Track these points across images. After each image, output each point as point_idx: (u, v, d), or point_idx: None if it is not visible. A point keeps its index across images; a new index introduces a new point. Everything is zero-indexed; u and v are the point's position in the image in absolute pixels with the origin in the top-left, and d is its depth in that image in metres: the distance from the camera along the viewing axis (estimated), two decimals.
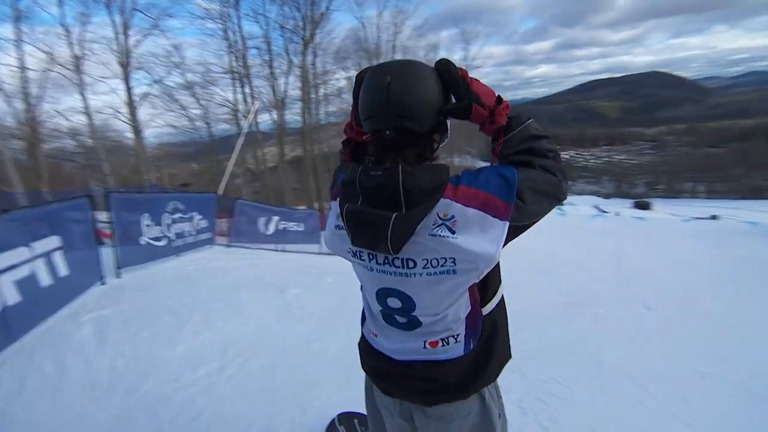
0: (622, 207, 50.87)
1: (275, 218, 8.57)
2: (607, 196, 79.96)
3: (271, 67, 23.40)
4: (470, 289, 0.85)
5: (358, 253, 0.87)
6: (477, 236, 0.75)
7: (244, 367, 2.68)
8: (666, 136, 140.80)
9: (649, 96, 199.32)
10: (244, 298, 4.12)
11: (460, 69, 0.84)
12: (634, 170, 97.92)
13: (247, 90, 22.90)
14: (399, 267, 0.82)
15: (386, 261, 0.83)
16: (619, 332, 3.72)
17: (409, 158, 0.82)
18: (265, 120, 24.09)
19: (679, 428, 2.18)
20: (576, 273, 6.86)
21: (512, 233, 0.78)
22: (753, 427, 2.25)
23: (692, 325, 5.12)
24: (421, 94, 0.79)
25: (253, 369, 2.67)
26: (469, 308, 0.87)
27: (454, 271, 0.79)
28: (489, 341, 0.91)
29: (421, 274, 0.81)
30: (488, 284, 0.90)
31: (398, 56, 29.09)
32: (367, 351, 1.02)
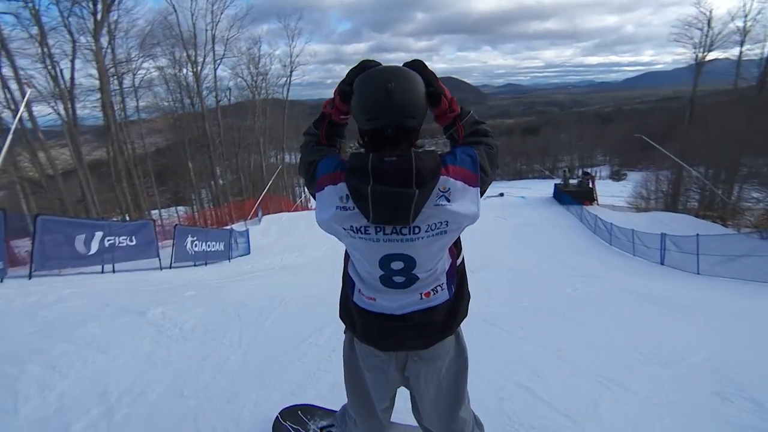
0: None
1: (98, 234, 6.97)
2: None
3: (43, 45, 17.90)
4: (450, 247, 1.08)
5: (363, 229, 0.99)
6: (463, 202, 0.97)
7: (140, 402, 2.28)
8: None
9: None
10: (97, 332, 3.37)
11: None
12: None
13: (6, 72, 16.99)
14: (406, 234, 0.99)
15: (394, 231, 0.98)
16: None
17: (403, 148, 0.98)
18: (47, 114, 18.57)
19: (523, 346, 3.06)
20: None
21: (480, 195, 1.01)
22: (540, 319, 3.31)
23: (499, 275, 6.99)
24: (417, 97, 0.97)
25: (153, 400, 2.31)
26: (449, 261, 1.11)
27: (446, 232, 1.00)
28: (460, 287, 1.16)
29: (422, 238, 0.99)
30: (458, 243, 1.15)
31: (218, 47, 26.74)
32: (364, 315, 1.14)
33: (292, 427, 1.96)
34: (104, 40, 19.94)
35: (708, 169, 22.08)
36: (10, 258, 6.17)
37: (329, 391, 2.39)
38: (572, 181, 25.98)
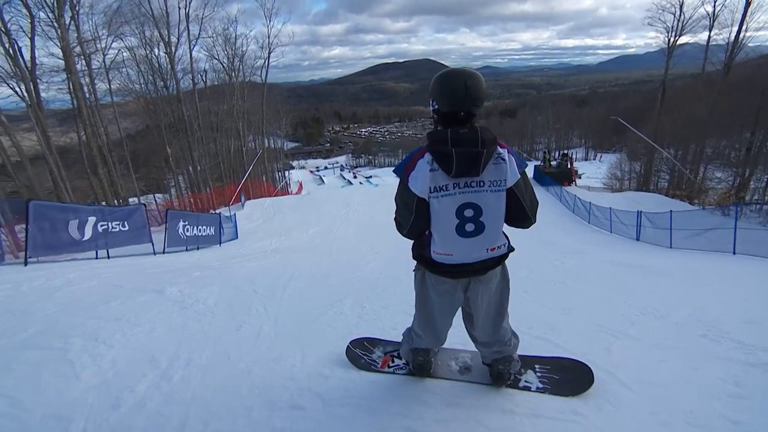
0: (402, 180, 60.63)
1: (91, 219, 6.85)
2: None
3: None
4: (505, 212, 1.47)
5: (444, 187, 1.40)
6: (512, 169, 1.43)
7: (192, 366, 2.43)
8: None
9: (425, 79, 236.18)
10: (121, 308, 3.46)
11: None
12: (422, 143, 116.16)
13: None
14: (474, 186, 1.40)
15: (466, 185, 1.39)
16: None
17: (468, 125, 1.41)
18: (8, 97, 17.44)
19: (533, 306, 3.39)
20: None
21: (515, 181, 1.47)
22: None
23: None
24: (483, 93, 1.41)
25: (204, 364, 2.46)
26: (502, 220, 1.50)
27: (502, 189, 1.41)
28: (509, 243, 1.60)
29: (486, 191, 1.40)
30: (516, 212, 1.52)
31: (192, 26, 25.59)
32: (440, 266, 1.54)
33: (360, 353, 2.38)
34: (66, 17, 18.72)
35: (677, 150, 23.17)
36: (9, 244, 6.03)
37: None
38: (552, 163, 26.69)
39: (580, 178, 34.87)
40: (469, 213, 1.43)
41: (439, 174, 1.40)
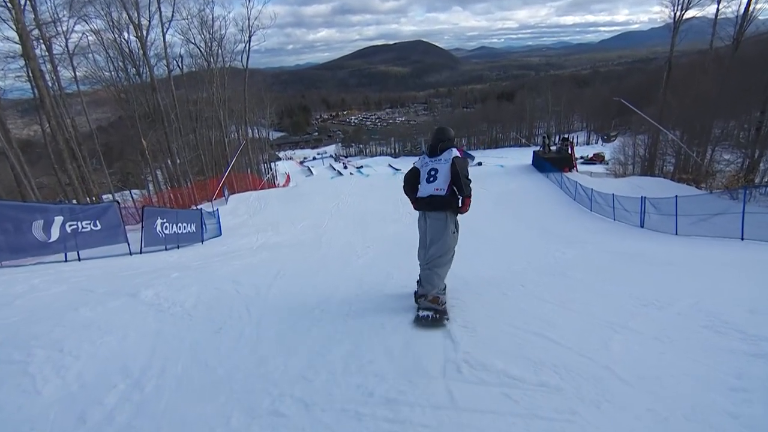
0: (412, 163, 60.78)
1: (58, 219, 6.73)
2: (396, 155, 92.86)
3: None
4: (449, 181, 3.07)
5: (424, 161, 3.25)
6: (455, 155, 3.10)
7: (166, 375, 2.41)
8: (434, 99, 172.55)
9: (417, 62, 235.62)
10: (90, 315, 3.41)
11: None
12: (414, 130, 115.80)
13: None
14: (435, 161, 3.16)
15: (431, 160, 3.20)
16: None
17: (438, 148, 3.19)
18: None
19: (529, 301, 3.41)
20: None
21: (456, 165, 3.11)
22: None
23: (485, 245, 7.48)
24: (448, 135, 3.27)
25: (179, 372, 2.44)
26: (448, 186, 3.07)
27: (447, 161, 3.10)
28: (451, 196, 3.08)
29: (440, 161, 3.12)
30: (457, 184, 3.07)
31: (164, 8, 24.98)
32: (419, 200, 3.20)
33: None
34: None
35: (683, 131, 23.24)
36: None
37: (354, 347, 2.61)
38: (552, 148, 26.74)
39: (607, 164, 35.27)
40: (432, 172, 3.14)
41: (423, 159, 3.28)
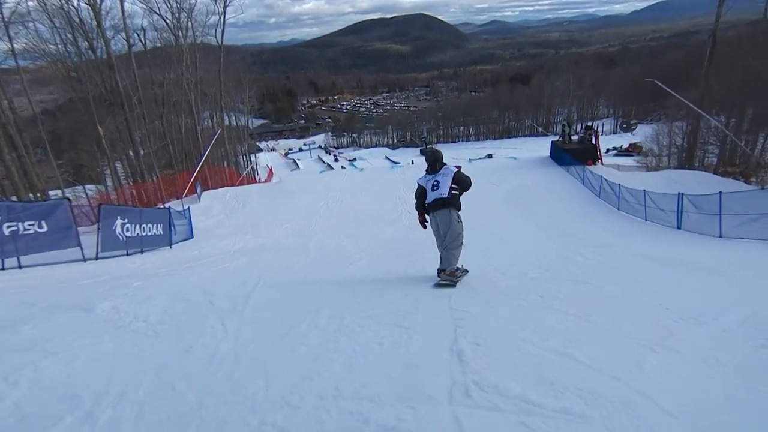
0: (412, 155, 60.91)
1: None
2: (394, 146, 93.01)
3: None
4: (450, 185, 4.85)
5: (426, 178, 5.08)
6: (451, 170, 4.97)
7: (125, 402, 2.36)
8: (437, 81, 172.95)
9: (419, 39, 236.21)
10: (34, 333, 3.35)
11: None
12: (415, 117, 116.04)
13: None
14: (436, 176, 4.95)
15: (434, 175, 4.99)
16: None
17: (436, 167, 5.05)
18: None
19: (548, 313, 3.38)
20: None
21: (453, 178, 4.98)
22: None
23: (496, 249, 7.55)
24: (440, 155, 5.16)
25: (141, 399, 2.39)
26: (449, 189, 4.83)
27: (446, 175, 4.90)
28: (453, 198, 4.84)
29: (440, 176, 4.92)
30: (459, 181, 4.92)
31: None
32: (428, 205, 4.98)
33: None
34: None
35: (729, 117, 22.92)
36: None
37: (346, 371, 2.58)
38: (573, 138, 26.81)
39: (641, 151, 35.11)
40: (435, 184, 4.87)
41: (426, 176, 5.07)
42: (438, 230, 4.90)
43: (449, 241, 4.76)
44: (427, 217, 5.08)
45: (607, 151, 48.94)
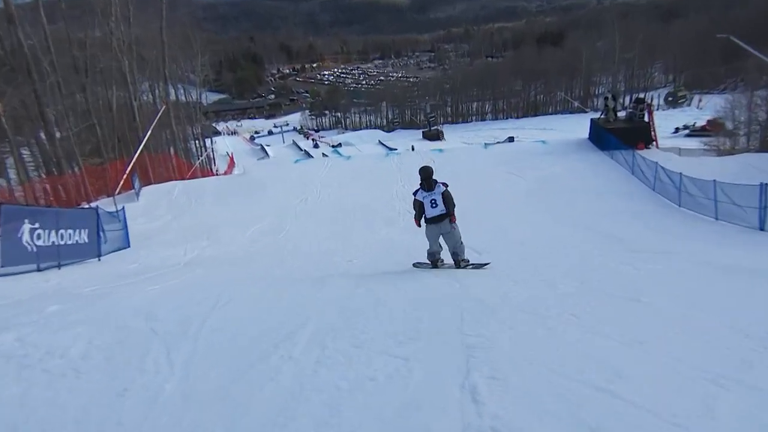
0: (412, 139, 61.08)
1: None
2: (390, 129, 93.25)
3: None
4: (444, 202, 7.65)
5: (423, 195, 7.70)
6: (443, 188, 7.72)
7: None
8: (444, 45, 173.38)
9: None
10: None
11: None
12: (415, 91, 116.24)
13: None
14: (433, 194, 7.64)
15: (430, 193, 7.67)
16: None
17: (430, 183, 7.75)
18: None
19: (585, 338, 3.44)
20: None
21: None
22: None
23: (518, 256, 7.81)
24: (431, 172, 7.89)
25: None
26: (444, 206, 7.63)
27: (441, 193, 7.66)
28: (446, 213, 7.62)
29: (436, 194, 7.62)
30: (449, 203, 7.70)
31: None
32: (428, 219, 7.73)
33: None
34: None
35: None
36: None
37: (329, 414, 2.57)
38: (620, 114, 26.90)
39: (722, 130, 34.05)
40: (433, 202, 7.56)
41: (422, 192, 7.66)
42: (437, 236, 7.73)
43: (454, 244, 7.70)
44: (423, 224, 7.76)
45: (676, 131, 48.46)
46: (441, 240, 7.87)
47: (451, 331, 3.75)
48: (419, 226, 7.86)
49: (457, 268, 7.74)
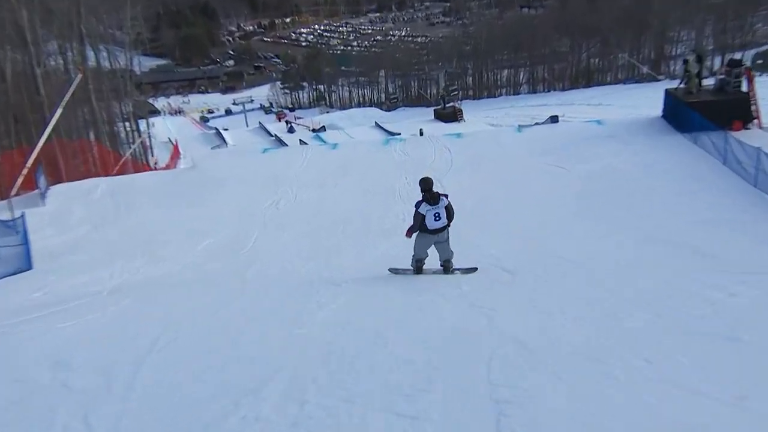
0: (421, 121, 61.17)
1: None
2: (390, 107, 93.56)
3: None
4: (446, 215, 9.90)
5: (427, 209, 9.65)
6: (446, 201, 9.91)
7: None
8: None
9: None
10: None
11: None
12: (425, 55, 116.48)
13: None
14: (436, 207, 9.67)
15: (434, 206, 9.69)
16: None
17: (432, 194, 9.85)
18: None
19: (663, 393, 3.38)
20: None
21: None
22: None
23: (567, 277, 7.92)
24: (432, 183, 10.26)
25: None
26: (446, 218, 9.86)
27: (445, 207, 9.84)
28: (447, 225, 9.93)
29: (439, 207, 9.70)
30: (450, 214, 10.00)
31: None
32: (428, 229, 9.80)
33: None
34: None
35: None
36: None
37: None
38: (706, 83, 26.71)
39: None
40: (436, 215, 9.63)
41: (426, 206, 9.58)
42: (429, 243, 9.74)
43: (447, 251, 9.88)
44: (415, 234, 9.72)
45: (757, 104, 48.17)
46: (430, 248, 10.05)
47: (474, 381, 3.76)
48: (410, 237, 9.86)
49: (445, 273, 10.13)
